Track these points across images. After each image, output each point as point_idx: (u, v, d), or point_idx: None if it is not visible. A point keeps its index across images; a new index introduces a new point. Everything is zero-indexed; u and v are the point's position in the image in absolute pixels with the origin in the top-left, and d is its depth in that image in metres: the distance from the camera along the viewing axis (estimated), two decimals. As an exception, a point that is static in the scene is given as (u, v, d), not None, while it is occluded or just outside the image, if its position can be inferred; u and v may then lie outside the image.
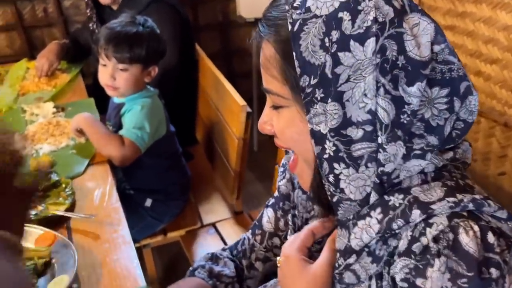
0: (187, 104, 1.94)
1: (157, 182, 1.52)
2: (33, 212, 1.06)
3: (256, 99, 2.54)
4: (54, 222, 1.04)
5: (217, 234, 1.52)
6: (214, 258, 0.84)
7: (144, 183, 1.50)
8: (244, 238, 0.87)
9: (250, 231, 0.86)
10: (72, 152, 1.33)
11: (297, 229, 0.75)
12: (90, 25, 1.86)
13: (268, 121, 0.60)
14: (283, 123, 0.57)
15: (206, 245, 1.49)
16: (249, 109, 1.42)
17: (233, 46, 2.80)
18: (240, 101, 1.43)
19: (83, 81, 1.84)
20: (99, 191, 1.16)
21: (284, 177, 0.79)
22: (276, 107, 0.58)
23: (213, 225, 1.55)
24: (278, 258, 0.65)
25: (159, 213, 1.52)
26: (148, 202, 1.51)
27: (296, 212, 0.76)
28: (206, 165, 1.83)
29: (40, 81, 1.77)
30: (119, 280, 0.89)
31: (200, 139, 1.95)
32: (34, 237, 0.97)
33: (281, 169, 0.81)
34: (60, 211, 1.06)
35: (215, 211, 1.62)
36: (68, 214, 1.05)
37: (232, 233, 1.51)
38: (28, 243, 0.96)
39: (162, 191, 1.53)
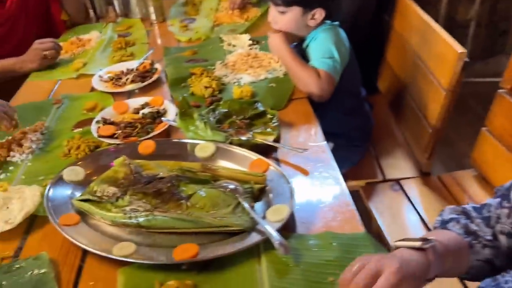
0: (374, 49, 1.79)
1: (340, 125, 1.45)
2: (243, 137, 1.07)
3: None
4: (260, 151, 1.03)
5: (402, 191, 1.40)
6: (466, 213, 0.74)
7: (327, 125, 1.43)
8: (489, 205, 0.75)
9: (497, 199, 0.74)
10: (271, 85, 1.31)
11: None
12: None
13: None
14: None
15: (389, 201, 1.39)
16: (467, 58, 1.23)
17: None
18: (458, 47, 1.24)
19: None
20: (303, 127, 1.13)
21: None
22: None
23: (397, 181, 1.44)
24: None
25: (340, 158, 1.44)
26: (329, 146, 1.45)
27: None
28: (388, 117, 1.70)
29: (233, 13, 1.79)
30: (337, 222, 0.84)
31: (382, 89, 1.81)
32: (248, 161, 0.98)
33: None
34: (269, 141, 1.05)
35: (399, 167, 1.50)
36: (280, 145, 1.04)
37: (420, 195, 1.38)
38: (243, 167, 0.98)
39: (344, 135, 1.46)
